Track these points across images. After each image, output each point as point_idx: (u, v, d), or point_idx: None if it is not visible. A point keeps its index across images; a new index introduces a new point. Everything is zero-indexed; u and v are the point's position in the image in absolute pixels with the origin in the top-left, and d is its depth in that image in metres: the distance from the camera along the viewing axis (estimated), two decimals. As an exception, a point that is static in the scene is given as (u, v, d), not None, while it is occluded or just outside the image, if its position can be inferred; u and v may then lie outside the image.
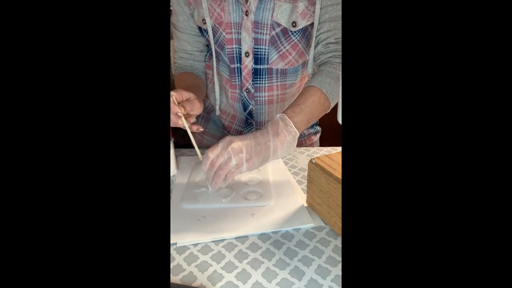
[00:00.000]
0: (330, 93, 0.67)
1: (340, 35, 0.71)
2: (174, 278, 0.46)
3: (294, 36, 0.74)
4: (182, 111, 0.60)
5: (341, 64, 0.70)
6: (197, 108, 0.64)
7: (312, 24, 0.73)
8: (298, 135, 0.61)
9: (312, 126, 0.97)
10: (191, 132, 0.63)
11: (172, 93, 0.61)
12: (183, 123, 0.61)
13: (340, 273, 0.46)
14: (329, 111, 0.70)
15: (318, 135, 0.99)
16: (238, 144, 0.56)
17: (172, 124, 0.62)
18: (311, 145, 0.97)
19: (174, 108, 0.60)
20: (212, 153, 0.56)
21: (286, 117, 0.61)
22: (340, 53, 0.72)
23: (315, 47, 0.75)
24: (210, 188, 0.58)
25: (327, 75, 0.68)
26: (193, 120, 0.64)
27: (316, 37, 0.74)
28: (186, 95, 0.63)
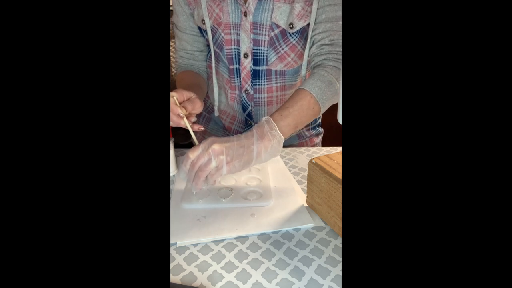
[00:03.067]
0: (321, 97, 0.65)
1: (335, 37, 0.70)
2: (174, 278, 0.46)
3: (292, 37, 0.74)
4: (184, 112, 0.60)
5: (334, 68, 0.68)
6: (198, 107, 0.64)
7: (309, 25, 0.73)
8: (283, 139, 0.60)
9: (314, 127, 0.96)
10: (193, 131, 0.63)
11: (173, 93, 0.61)
12: (185, 124, 0.61)
13: (340, 273, 0.46)
14: (320, 115, 0.68)
15: (320, 137, 0.98)
16: (219, 146, 0.55)
17: (174, 124, 0.62)
18: (313, 146, 0.96)
19: (176, 109, 0.60)
20: (193, 154, 0.56)
21: (272, 120, 0.59)
22: (334, 56, 0.70)
23: (310, 48, 0.74)
24: (192, 189, 0.58)
25: (319, 78, 0.66)
26: (194, 119, 0.64)
27: (311, 37, 0.73)
28: (187, 94, 0.63)
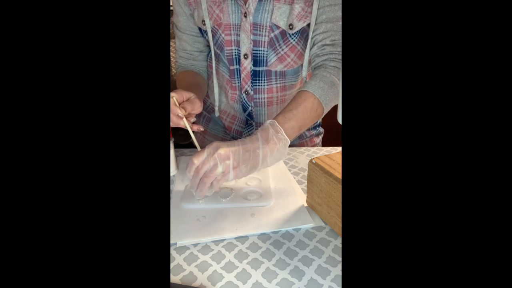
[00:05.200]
0: (324, 98, 0.64)
1: (336, 37, 0.70)
2: (174, 278, 0.46)
3: (292, 38, 0.74)
4: (183, 113, 0.60)
5: (336, 68, 0.68)
6: (197, 108, 0.64)
7: (309, 25, 0.72)
8: (289, 142, 0.59)
9: (314, 128, 0.96)
10: (192, 131, 0.63)
11: (172, 94, 0.61)
12: (184, 124, 0.61)
13: (340, 273, 0.46)
14: (322, 116, 0.68)
15: (321, 137, 0.98)
16: (225, 151, 0.53)
17: (173, 125, 0.62)
18: (313, 146, 0.96)
19: (175, 110, 0.60)
20: (197, 159, 0.53)
21: (277, 123, 0.58)
22: (335, 56, 0.70)
23: (311, 49, 0.74)
24: (195, 196, 0.56)
25: (321, 79, 0.66)
26: (193, 119, 0.64)
27: (312, 38, 0.72)
28: (186, 95, 0.64)
